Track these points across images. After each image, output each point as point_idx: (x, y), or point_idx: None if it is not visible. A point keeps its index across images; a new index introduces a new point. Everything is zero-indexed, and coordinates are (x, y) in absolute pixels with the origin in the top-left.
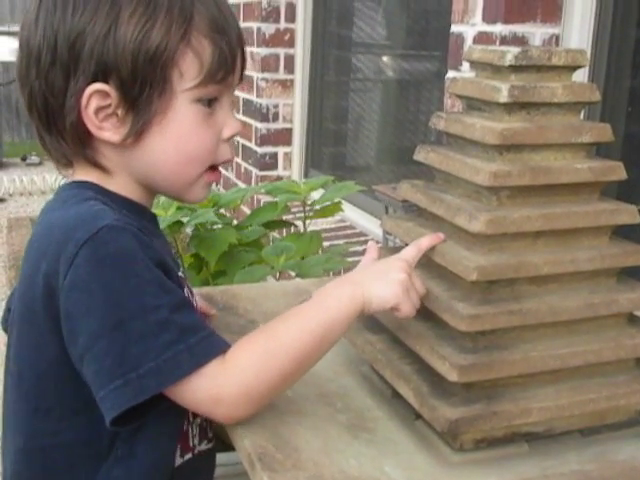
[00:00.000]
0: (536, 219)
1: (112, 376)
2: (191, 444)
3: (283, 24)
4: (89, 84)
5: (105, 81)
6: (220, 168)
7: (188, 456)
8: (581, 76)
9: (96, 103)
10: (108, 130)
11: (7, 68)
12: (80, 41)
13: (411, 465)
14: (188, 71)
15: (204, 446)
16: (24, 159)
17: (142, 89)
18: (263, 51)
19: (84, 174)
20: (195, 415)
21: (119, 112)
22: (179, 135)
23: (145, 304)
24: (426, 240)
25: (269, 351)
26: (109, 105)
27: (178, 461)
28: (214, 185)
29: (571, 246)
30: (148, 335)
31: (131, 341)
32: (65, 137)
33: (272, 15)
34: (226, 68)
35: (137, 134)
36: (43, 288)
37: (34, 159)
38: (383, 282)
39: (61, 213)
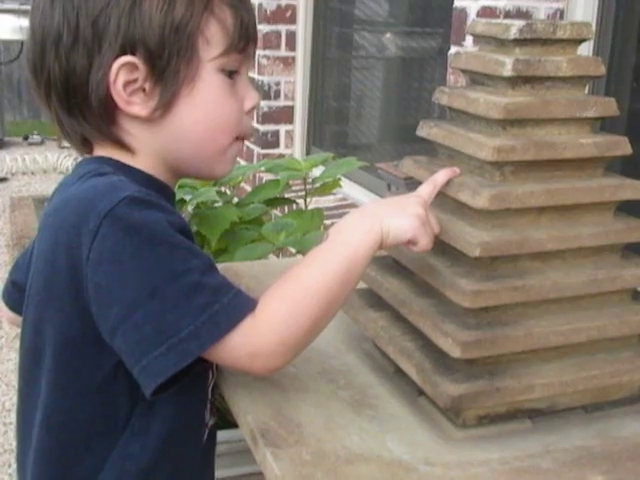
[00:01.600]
0: (540, 194)
1: (154, 343)
2: (205, 419)
3: (284, 0)
4: (116, 58)
5: (132, 54)
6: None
7: (205, 431)
8: (586, 51)
9: (124, 77)
10: (137, 104)
11: (8, 47)
12: (104, 17)
13: (414, 441)
14: (213, 39)
15: (213, 421)
16: (26, 138)
17: (170, 59)
18: (264, 28)
19: (105, 153)
20: (212, 392)
21: (147, 85)
22: (208, 104)
23: (175, 269)
24: (442, 175)
25: (296, 298)
26: (136, 79)
27: (204, 437)
28: None
29: (575, 222)
30: (183, 299)
31: (167, 307)
32: (88, 117)
33: None
34: (247, 36)
35: (166, 106)
36: (65, 261)
37: (36, 138)
38: (400, 215)
39: (77, 186)
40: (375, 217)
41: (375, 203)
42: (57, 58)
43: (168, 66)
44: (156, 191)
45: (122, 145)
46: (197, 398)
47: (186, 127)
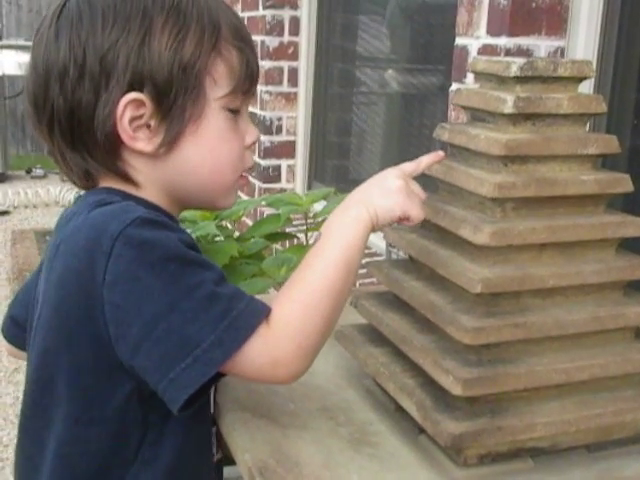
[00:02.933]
0: (541, 231)
1: (179, 356)
2: (214, 451)
3: (287, 37)
4: (124, 94)
5: (140, 91)
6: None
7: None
8: (586, 88)
9: (130, 113)
10: (142, 140)
11: (12, 81)
12: (113, 53)
13: None
14: (220, 79)
15: (218, 456)
16: (29, 172)
17: (177, 97)
18: (267, 64)
19: (111, 185)
20: (214, 423)
21: (152, 122)
22: (213, 141)
23: (190, 282)
24: (426, 157)
25: (305, 301)
26: (142, 116)
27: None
28: None
29: (577, 259)
30: (201, 310)
31: (187, 320)
32: (92, 151)
33: (276, 29)
34: (252, 78)
35: (171, 143)
36: (76, 286)
37: (39, 172)
38: (382, 193)
39: (87, 214)
40: (360, 204)
41: (358, 189)
42: (62, 92)
43: (175, 104)
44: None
45: (127, 179)
46: (203, 426)
47: (192, 164)
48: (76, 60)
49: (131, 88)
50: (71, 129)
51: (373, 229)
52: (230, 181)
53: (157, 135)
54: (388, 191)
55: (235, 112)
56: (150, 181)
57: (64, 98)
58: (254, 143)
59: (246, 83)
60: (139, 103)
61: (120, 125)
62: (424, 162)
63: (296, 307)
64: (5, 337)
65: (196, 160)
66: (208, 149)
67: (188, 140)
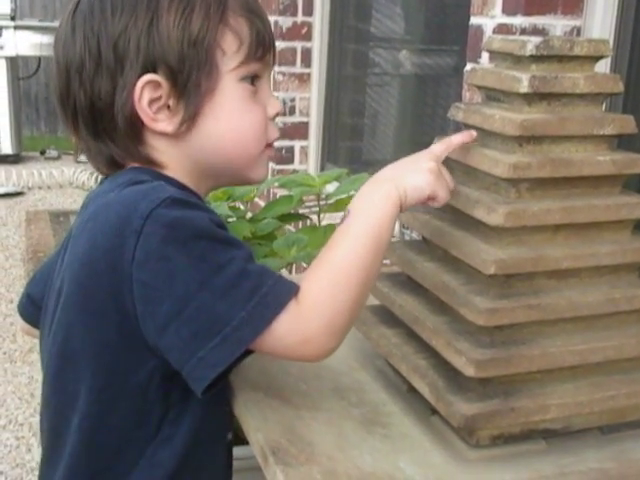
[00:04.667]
0: (556, 212)
1: (209, 335)
2: (229, 434)
3: (300, 17)
4: (139, 77)
5: (154, 72)
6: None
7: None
8: (602, 68)
9: (148, 95)
10: (162, 121)
11: (26, 62)
12: (124, 39)
13: (426, 461)
14: (230, 50)
15: (229, 436)
16: (43, 153)
17: (190, 74)
18: (280, 44)
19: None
20: (228, 404)
21: (170, 102)
22: (232, 114)
23: (220, 260)
24: (457, 136)
25: (334, 279)
26: (160, 97)
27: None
28: None
29: (592, 240)
30: (230, 288)
31: (217, 297)
32: (115, 139)
33: (289, 9)
34: (264, 45)
35: (190, 120)
36: (104, 264)
37: (53, 153)
38: (414, 173)
39: (117, 192)
40: (390, 182)
41: (388, 167)
42: (81, 85)
43: (189, 80)
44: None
45: (152, 162)
46: (220, 408)
47: (214, 139)
48: (91, 52)
49: (145, 70)
50: (94, 119)
51: (401, 208)
52: (255, 153)
53: (177, 114)
54: (420, 170)
55: (254, 82)
56: (175, 162)
57: (84, 91)
58: (277, 114)
59: (259, 50)
60: (155, 84)
61: (140, 108)
62: (454, 142)
63: (325, 285)
64: (22, 315)
65: (217, 134)
66: (228, 122)
67: (207, 115)
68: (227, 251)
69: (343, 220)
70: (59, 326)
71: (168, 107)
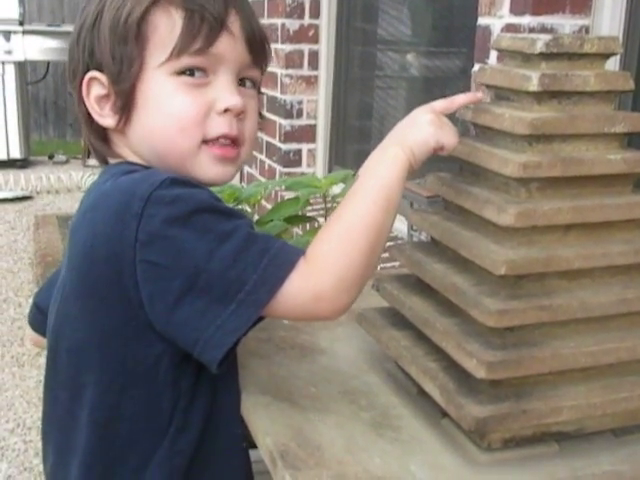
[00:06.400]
0: (567, 212)
1: (224, 303)
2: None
3: (307, 20)
4: (84, 75)
5: (97, 70)
6: (223, 145)
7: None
8: (612, 67)
9: (95, 92)
10: (108, 116)
11: (35, 67)
12: (82, 38)
13: (437, 464)
14: (159, 44)
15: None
16: (51, 157)
17: (120, 69)
18: (287, 47)
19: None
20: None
21: (112, 97)
22: (160, 108)
23: (225, 229)
24: (462, 96)
25: (344, 236)
26: (106, 94)
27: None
28: (238, 182)
29: (603, 240)
30: (240, 252)
31: (227, 265)
32: (93, 137)
33: (296, 11)
34: (204, 38)
35: (125, 114)
36: (105, 250)
37: (61, 157)
38: (414, 129)
39: (114, 182)
40: (395, 145)
41: (391, 133)
42: (72, 88)
43: (120, 76)
44: None
45: (119, 157)
46: (230, 397)
47: (147, 132)
48: (71, 57)
49: (88, 68)
50: (82, 121)
51: (411, 166)
52: (185, 148)
53: (117, 109)
54: (419, 125)
55: (202, 74)
56: (132, 157)
57: (75, 100)
58: (229, 110)
59: (195, 44)
60: (97, 81)
61: (88, 104)
62: (457, 101)
63: (335, 242)
64: (30, 324)
65: (149, 129)
66: (156, 116)
67: (139, 110)
68: (230, 220)
69: (353, 183)
70: (65, 318)
71: (113, 102)
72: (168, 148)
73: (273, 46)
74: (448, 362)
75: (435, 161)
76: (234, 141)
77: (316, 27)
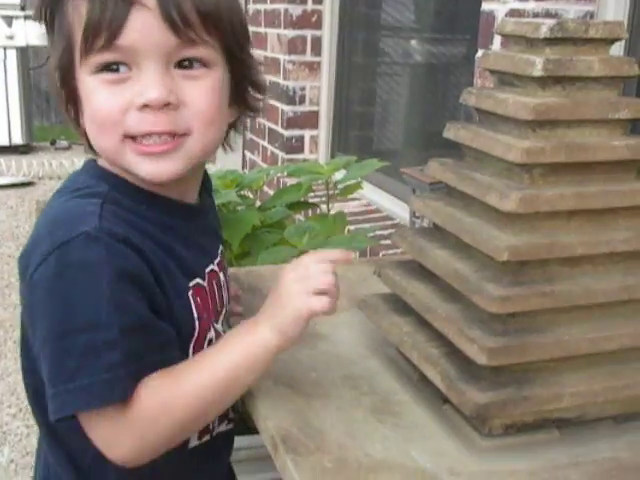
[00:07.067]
0: (570, 198)
1: (51, 382)
2: (210, 426)
3: (310, 5)
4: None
5: None
6: (151, 143)
7: (206, 438)
8: (616, 52)
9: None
10: (71, 116)
11: (37, 53)
12: None
13: (438, 450)
14: (78, 43)
15: (224, 427)
16: (53, 143)
17: (62, 71)
18: (290, 33)
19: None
20: None
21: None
22: (86, 106)
23: (96, 321)
24: (336, 252)
25: (169, 402)
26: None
27: (194, 443)
28: (240, 168)
29: (606, 226)
30: (91, 352)
31: (71, 354)
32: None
33: None
34: (107, 32)
35: (76, 114)
36: (21, 265)
37: (63, 143)
38: (285, 306)
39: (58, 203)
40: (266, 326)
41: (264, 305)
42: None
43: (63, 78)
44: (140, 203)
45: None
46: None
47: (87, 131)
48: None
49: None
50: None
51: (282, 347)
52: (108, 145)
53: (70, 109)
54: (288, 297)
55: (129, 67)
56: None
57: None
58: (145, 105)
59: (98, 40)
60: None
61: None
62: (328, 257)
63: (157, 406)
64: None
65: (86, 127)
66: (85, 115)
67: (82, 109)
68: (109, 314)
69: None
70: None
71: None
72: (97, 146)
73: (275, 31)
74: (450, 348)
75: (436, 148)
76: (171, 134)
77: (319, 13)
